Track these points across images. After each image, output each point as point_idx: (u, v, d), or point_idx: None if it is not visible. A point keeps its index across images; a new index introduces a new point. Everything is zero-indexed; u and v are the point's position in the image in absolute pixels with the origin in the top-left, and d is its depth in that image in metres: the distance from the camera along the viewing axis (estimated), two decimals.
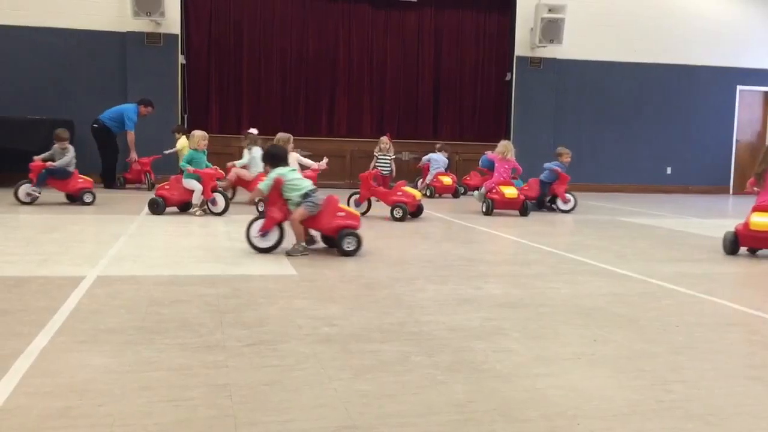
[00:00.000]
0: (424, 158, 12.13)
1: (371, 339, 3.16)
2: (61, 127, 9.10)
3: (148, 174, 11.27)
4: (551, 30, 13.28)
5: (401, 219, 7.92)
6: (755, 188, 6.24)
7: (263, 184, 5.48)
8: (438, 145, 12.26)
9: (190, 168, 7.74)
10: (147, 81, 12.04)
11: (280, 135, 7.88)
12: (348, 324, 3.40)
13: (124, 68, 12.15)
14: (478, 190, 9.47)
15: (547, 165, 9.73)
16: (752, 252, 6.15)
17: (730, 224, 6.44)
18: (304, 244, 5.44)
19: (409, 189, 8.35)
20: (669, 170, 14.76)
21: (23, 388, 2.43)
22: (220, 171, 8.49)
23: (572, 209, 9.56)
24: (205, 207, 7.84)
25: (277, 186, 5.41)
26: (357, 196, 8.36)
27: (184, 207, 7.97)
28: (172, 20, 12.21)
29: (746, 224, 6.00)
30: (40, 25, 11.87)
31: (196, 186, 7.76)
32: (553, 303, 4.02)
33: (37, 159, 8.45)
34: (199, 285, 4.19)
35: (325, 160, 8.01)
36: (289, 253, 5.36)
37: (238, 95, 13.30)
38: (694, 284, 4.68)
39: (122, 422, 2.18)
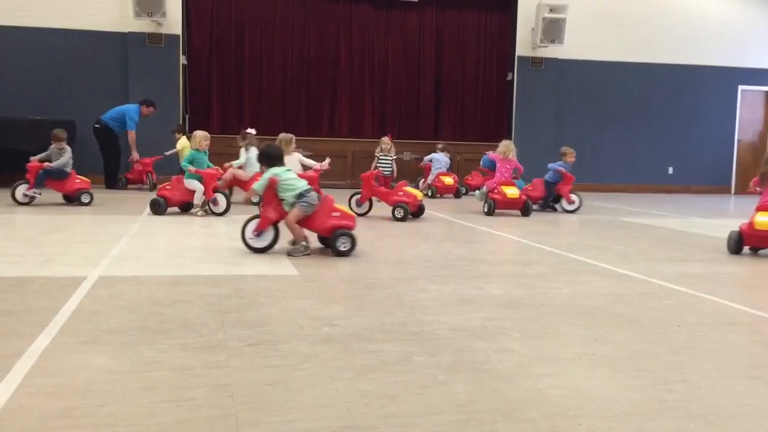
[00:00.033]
0: (426, 158, 12.14)
1: (373, 339, 3.16)
2: (63, 127, 9.09)
3: (149, 174, 11.29)
4: (552, 30, 13.27)
5: (402, 219, 7.92)
6: (758, 188, 6.25)
7: (258, 184, 5.49)
8: (439, 145, 12.26)
9: (192, 168, 7.74)
10: (148, 81, 12.06)
11: (282, 135, 7.92)
12: (349, 324, 3.40)
13: (125, 69, 12.17)
14: (479, 190, 9.47)
15: (551, 165, 9.71)
16: (754, 251, 6.18)
17: (732, 224, 6.45)
18: (304, 243, 5.45)
19: (410, 189, 8.36)
20: (670, 170, 14.75)
21: (25, 389, 2.43)
22: (221, 171, 8.50)
23: (577, 209, 9.55)
24: (207, 207, 7.84)
25: (272, 186, 5.41)
26: (358, 196, 8.37)
27: (186, 207, 7.98)
28: (173, 21, 12.23)
29: (751, 224, 6.02)
30: (42, 26, 11.89)
31: (197, 186, 7.76)
32: (555, 303, 4.03)
33: (34, 159, 8.44)
34: (201, 285, 4.20)
35: (328, 160, 8.02)
36: (290, 254, 5.37)
37: (239, 96, 13.30)
38: (695, 284, 4.68)
39: (124, 422, 2.18)
